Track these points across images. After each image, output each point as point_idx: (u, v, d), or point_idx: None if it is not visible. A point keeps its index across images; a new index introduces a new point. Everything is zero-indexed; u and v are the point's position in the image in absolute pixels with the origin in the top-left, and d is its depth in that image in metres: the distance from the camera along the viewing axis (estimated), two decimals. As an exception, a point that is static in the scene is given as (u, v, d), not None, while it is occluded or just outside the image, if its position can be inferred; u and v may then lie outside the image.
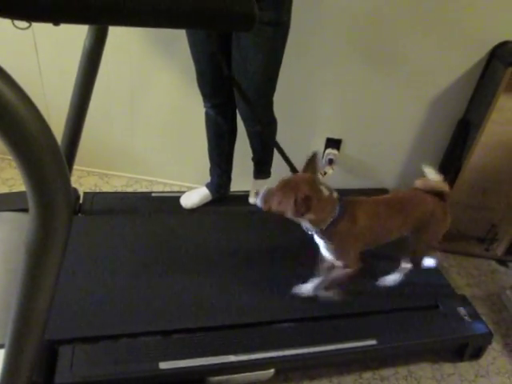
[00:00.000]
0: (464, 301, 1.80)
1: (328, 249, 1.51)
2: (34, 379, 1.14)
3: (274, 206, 1.39)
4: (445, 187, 1.61)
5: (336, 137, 2.27)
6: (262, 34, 1.53)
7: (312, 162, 1.45)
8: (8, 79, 0.63)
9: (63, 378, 1.30)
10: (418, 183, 1.62)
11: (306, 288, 1.68)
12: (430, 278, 1.90)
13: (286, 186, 1.38)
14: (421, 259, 1.76)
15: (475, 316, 1.73)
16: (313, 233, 1.48)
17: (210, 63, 1.70)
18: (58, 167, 0.70)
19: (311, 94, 2.16)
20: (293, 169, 1.59)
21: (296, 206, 1.33)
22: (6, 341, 0.93)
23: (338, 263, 1.55)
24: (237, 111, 1.87)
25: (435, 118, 2.17)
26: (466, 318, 1.71)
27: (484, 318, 1.76)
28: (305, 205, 1.32)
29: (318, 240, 1.53)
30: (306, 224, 1.45)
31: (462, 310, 1.73)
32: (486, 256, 2.31)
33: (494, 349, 1.82)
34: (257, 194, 1.45)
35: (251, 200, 2.16)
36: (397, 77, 2.08)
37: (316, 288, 1.66)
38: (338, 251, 1.51)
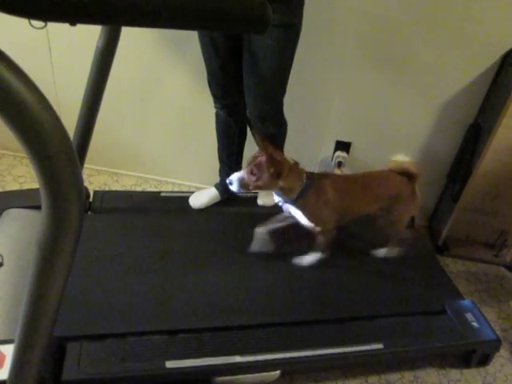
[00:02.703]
0: (472, 307, 1.78)
1: (304, 216, 1.63)
2: (43, 375, 1.15)
3: (251, 184, 1.51)
4: (413, 168, 1.70)
5: (345, 140, 2.27)
6: (274, 35, 1.53)
7: (263, 142, 1.55)
8: (24, 78, 0.64)
9: (71, 374, 1.31)
10: (391, 164, 1.73)
11: (307, 259, 1.77)
12: (438, 283, 1.89)
13: (256, 162, 1.50)
14: (389, 239, 1.88)
15: (483, 322, 1.71)
16: (287, 203, 1.62)
17: (220, 64, 1.71)
18: (71, 165, 0.71)
19: (321, 96, 2.15)
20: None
21: (269, 172, 1.47)
22: (16, 336, 0.94)
23: (316, 228, 1.67)
24: (247, 112, 1.88)
25: (446, 123, 2.16)
26: (474, 324, 1.69)
27: (492, 325, 1.74)
28: (277, 169, 1.48)
29: (294, 211, 1.64)
30: (279, 194, 1.60)
31: (470, 316, 1.72)
32: (495, 262, 2.29)
33: (502, 356, 1.80)
34: (230, 182, 1.54)
35: (259, 201, 2.16)
36: (407, 81, 2.07)
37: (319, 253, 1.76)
38: (313, 218, 1.63)
